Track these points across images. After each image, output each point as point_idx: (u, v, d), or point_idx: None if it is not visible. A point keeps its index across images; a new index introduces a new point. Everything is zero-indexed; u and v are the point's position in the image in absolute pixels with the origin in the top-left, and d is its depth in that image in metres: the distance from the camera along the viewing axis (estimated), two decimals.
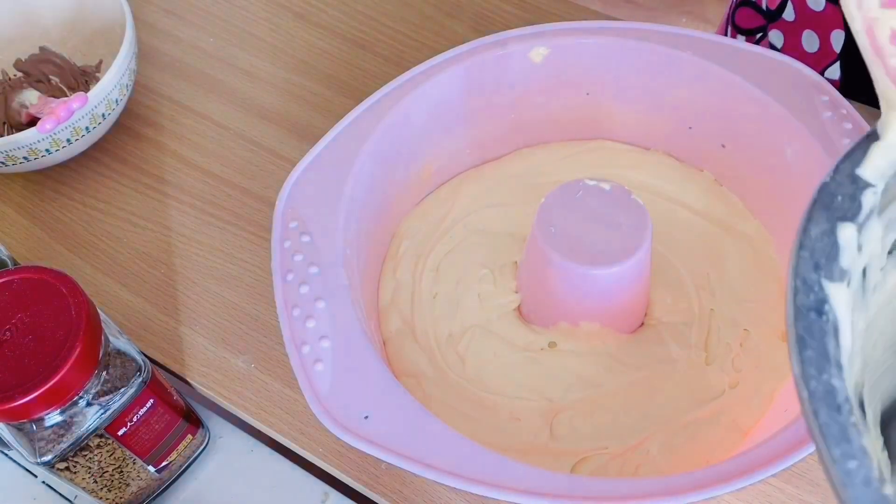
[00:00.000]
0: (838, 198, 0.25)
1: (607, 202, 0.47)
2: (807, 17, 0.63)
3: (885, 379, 0.29)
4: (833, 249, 0.25)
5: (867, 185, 0.26)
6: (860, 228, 0.25)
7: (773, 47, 0.67)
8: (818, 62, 0.64)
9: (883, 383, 0.29)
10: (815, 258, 0.24)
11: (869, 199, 0.26)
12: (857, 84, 0.62)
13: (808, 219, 0.25)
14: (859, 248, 0.25)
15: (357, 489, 0.48)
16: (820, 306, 0.24)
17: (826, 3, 0.61)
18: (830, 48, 0.63)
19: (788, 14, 0.64)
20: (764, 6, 0.68)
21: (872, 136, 0.27)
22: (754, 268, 0.51)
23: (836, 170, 0.26)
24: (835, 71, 0.64)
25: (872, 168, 0.26)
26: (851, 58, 0.62)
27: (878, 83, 0.29)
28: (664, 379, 0.48)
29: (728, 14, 0.74)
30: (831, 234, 0.25)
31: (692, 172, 0.56)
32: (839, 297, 0.24)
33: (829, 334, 0.23)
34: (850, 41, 0.61)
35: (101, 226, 0.59)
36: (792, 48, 0.65)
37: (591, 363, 0.48)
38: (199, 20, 0.71)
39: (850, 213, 0.25)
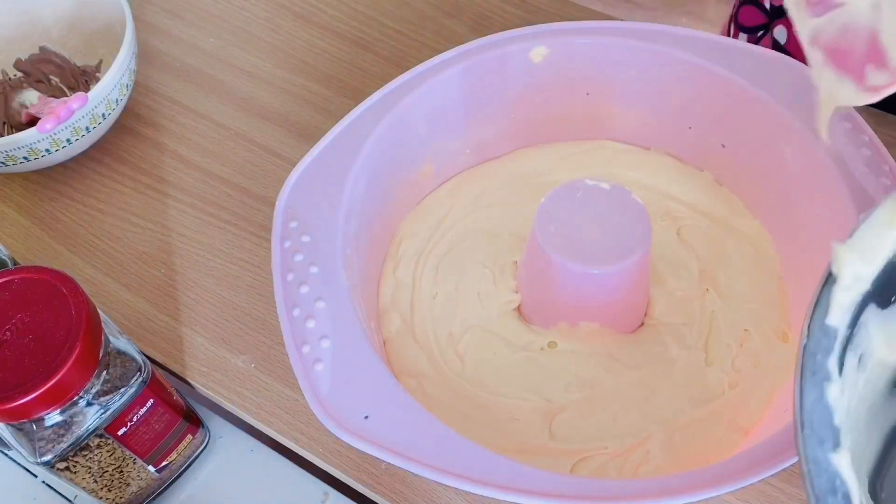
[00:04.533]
0: (818, 356, 0.27)
1: (607, 202, 0.47)
2: None
3: (867, 449, 0.31)
4: (827, 414, 0.27)
5: (837, 330, 0.28)
6: (842, 374, 0.28)
7: (776, 43, 0.67)
8: None
9: (865, 453, 0.31)
10: (816, 433, 0.26)
11: (841, 343, 0.28)
12: None
13: (801, 391, 0.27)
14: (842, 391, 0.28)
15: (357, 489, 0.48)
16: (833, 484, 0.26)
17: None
18: None
19: None
20: (768, 4, 0.68)
21: (830, 281, 0.29)
22: (754, 268, 0.51)
23: (810, 328, 0.28)
24: None
25: (838, 311, 0.28)
26: None
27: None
28: (664, 379, 0.48)
29: (732, 13, 0.74)
30: (822, 398, 0.27)
31: (692, 172, 0.56)
32: (843, 463, 0.26)
33: None
34: None
35: (101, 226, 0.59)
36: (795, 45, 0.65)
37: (591, 363, 0.49)
38: (199, 20, 0.71)
39: (831, 368, 0.27)
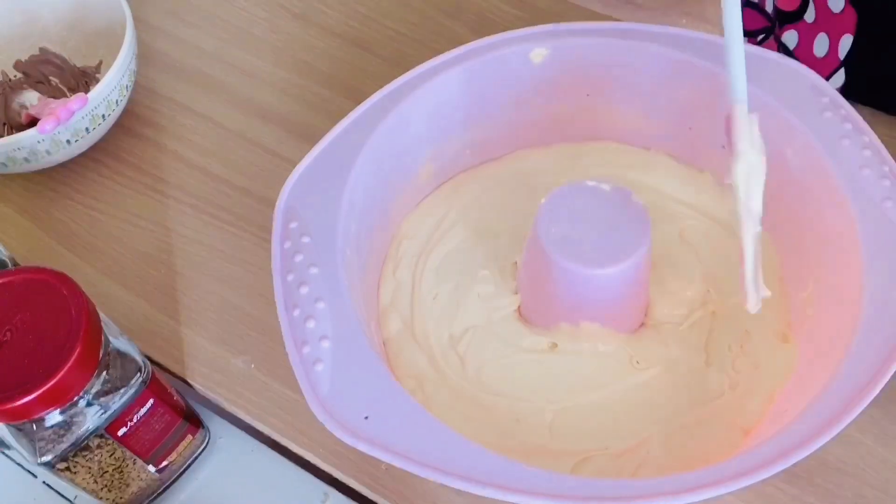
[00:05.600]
0: None
1: (607, 202, 0.47)
2: (825, 19, 0.62)
3: None
4: None
5: None
6: None
7: (784, 48, 0.67)
8: (824, 67, 0.63)
9: None
10: None
11: None
12: (860, 89, 0.61)
13: None
14: None
15: (357, 489, 0.48)
16: None
17: (845, 4, 0.60)
18: (836, 55, 0.62)
19: (809, 15, 0.63)
20: (770, 7, 0.68)
21: None
22: None
23: None
24: (839, 78, 0.63)
25: None
26: (856, 63, 0.61)
27: None
28: (664, 379, 0.48)
29: None
30: None
31: (692, 172, 0.56)
32: None
33: None
34: (855, 46, 0.61)
35: (101, 226, 0.59)
36: (804, 51, 0.64)
37: (592, 364, 0.49)
38: (199, 20, 0.71)
39: None
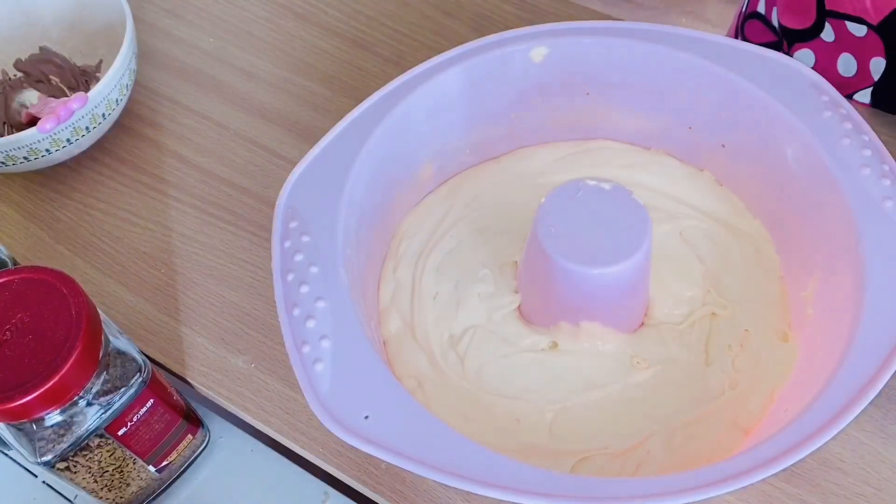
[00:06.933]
0: None
1: (607, 202, 0.47)
2: (847, 42, 0.61)
3: None
4: None
5: None
6: None
7: None
8: (852, 85, 0.63)
9: None
10: None
11: None
12: (886, 106, 0.61)
13: None
14: None
15: (357, 489, 0.48)
16: None
17: (868, 30, 0.59)
18: (868, 73, 0.61)
19: (827, 35, 0.62)
20: (776, 23, 0.67)
21: None
22: (755, 268, 0.51)
23: None
24: (865, 95, 0.62)
25: None
26: (886, 85, 0.61)
27: None
28: (664, 379, 0.48)
29: (736, 25, 0.73)
30: None
31: (692, 172, 0.56)
32: None
33: None
34: (889, 70, 0.60)
35: (101, 226, 0.59)
36: (824, 70, 0.64)
37: (592, 363, 0.49)
38: (199, 20, 0.71)
39: None
